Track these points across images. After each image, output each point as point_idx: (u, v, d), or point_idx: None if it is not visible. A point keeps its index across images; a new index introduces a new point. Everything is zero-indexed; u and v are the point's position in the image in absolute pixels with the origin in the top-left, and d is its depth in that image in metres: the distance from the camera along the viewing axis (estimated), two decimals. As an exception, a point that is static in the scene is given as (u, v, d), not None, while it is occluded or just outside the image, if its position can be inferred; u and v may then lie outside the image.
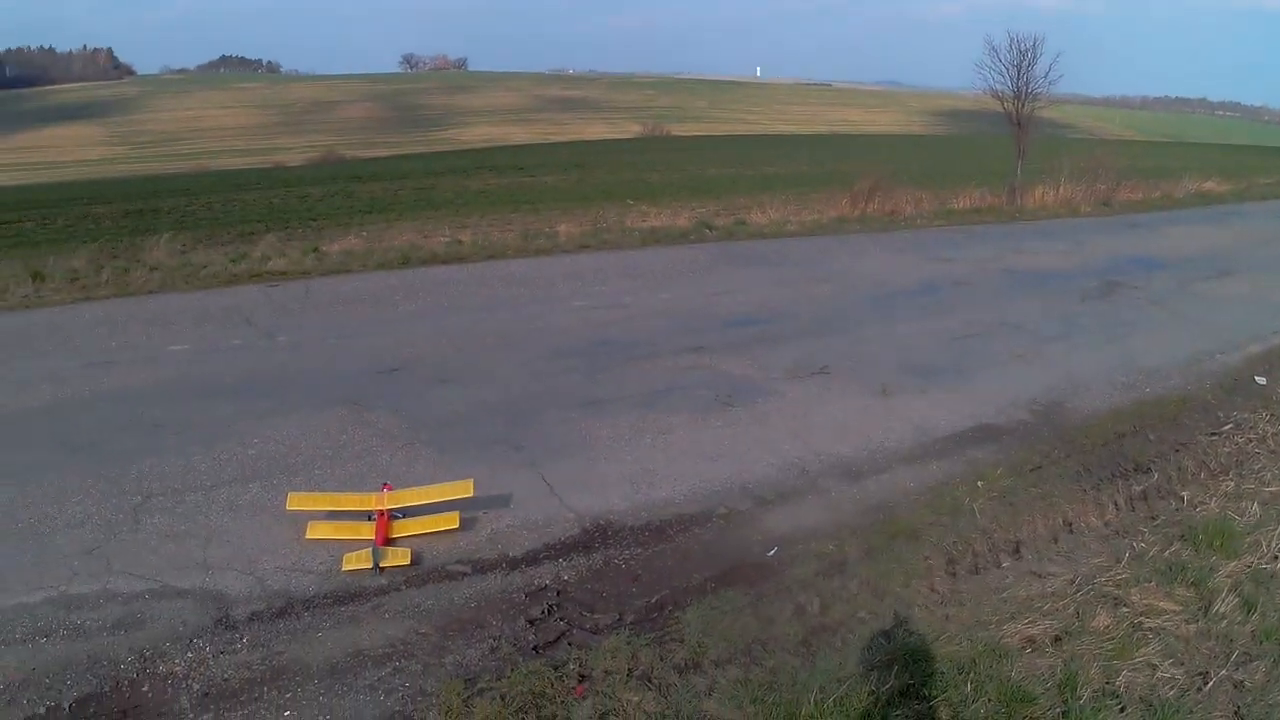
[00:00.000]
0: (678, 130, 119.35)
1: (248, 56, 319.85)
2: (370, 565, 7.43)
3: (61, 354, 13.05)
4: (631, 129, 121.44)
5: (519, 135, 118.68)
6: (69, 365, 12.49)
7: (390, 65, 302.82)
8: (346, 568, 7.48)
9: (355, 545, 7.71)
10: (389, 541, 7.82)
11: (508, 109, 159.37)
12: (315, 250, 20.88)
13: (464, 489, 8.19)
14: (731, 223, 26.03)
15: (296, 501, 8.17)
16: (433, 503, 8.21)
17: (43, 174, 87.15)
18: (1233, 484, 10.16)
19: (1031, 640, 6.80)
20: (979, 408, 12.10)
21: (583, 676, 6.21)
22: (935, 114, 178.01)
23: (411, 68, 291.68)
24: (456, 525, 8.12)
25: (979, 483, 9.85)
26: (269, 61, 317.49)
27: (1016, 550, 8.54)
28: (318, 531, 8.00)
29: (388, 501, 8.08)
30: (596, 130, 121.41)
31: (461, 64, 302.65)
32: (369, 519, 7.99)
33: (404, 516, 8.16)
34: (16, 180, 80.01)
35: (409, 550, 7.70)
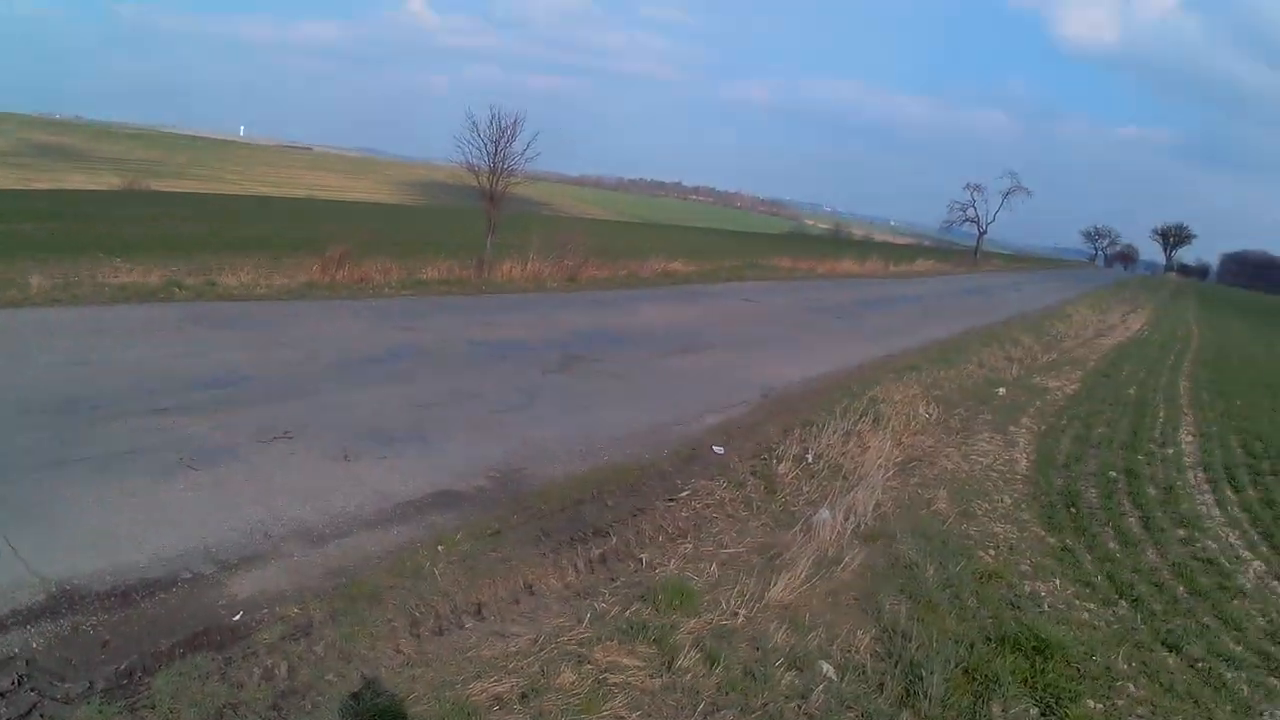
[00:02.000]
0: (158, 185, 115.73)
1: None
2: None
3: None
4: (111, 181, 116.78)
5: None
6: None
7: None
8: None
9: None
10: None
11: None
12: None
13: None
14: (202, 283, 25.45)
15: None
16: None
17: None
18: (691, 546, 10.92)
19: (499, 698, 7.13)
20: (440, 474, 12.40)
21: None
22: (411, 184, 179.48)
23: None
24: None
25: (440, 547, 10.18)
26: None
27: (479, 612, 8.91)
28: None
29: None
30: (77, 179, 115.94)
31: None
32: None
33: None
34: None
35: None
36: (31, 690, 6.76)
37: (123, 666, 7.20)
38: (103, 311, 20.38)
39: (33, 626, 7.60)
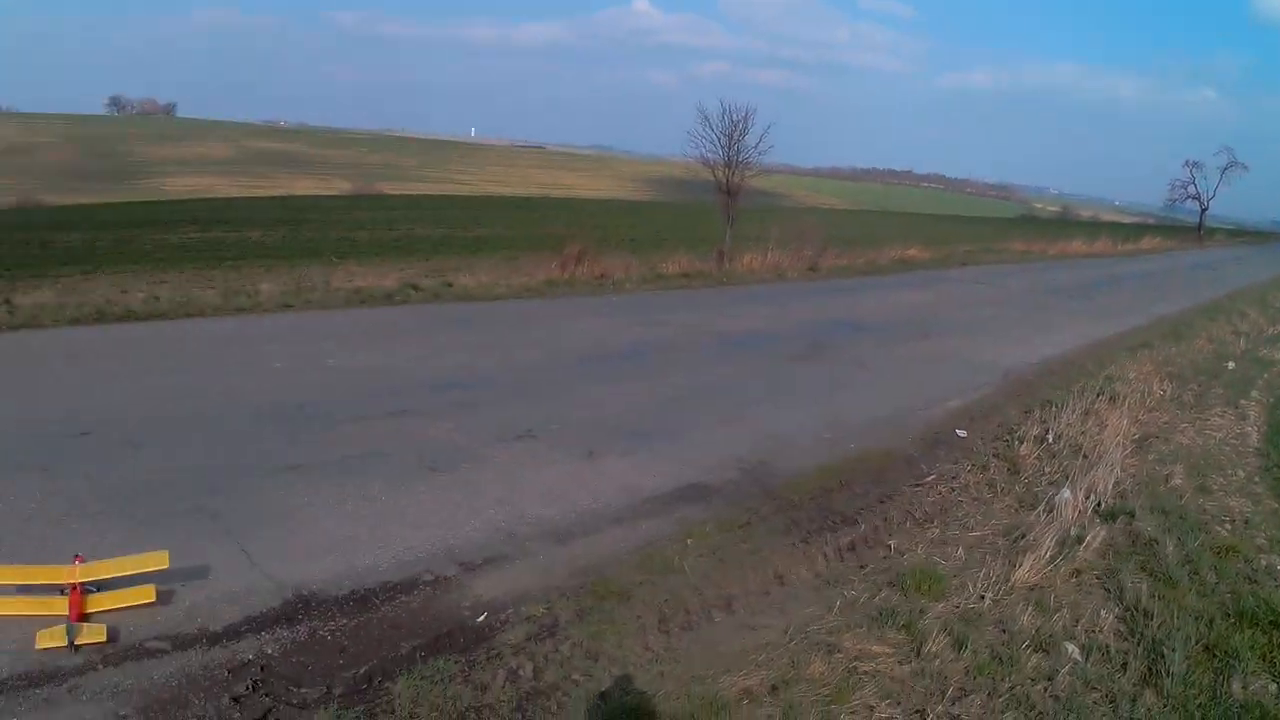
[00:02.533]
0: (388, 189, 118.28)
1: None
2: (65, 643, 7.00)
3: None
4: (341, 186, 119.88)
5: (226, 188, 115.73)
6: None
7: (96, 106, 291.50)
8: (40, 646, 7.02)
9: (48, 621, 7.26)
10: (84, 617, 7.38)
11: (216, 159, 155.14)
12: (6, 302, 19.88)
13: (159, 560, 7.81)
14: (439, 284, 25.83)
15: None
16: (127, 575, 7.79)
17: None
18: (937, 531, 10.65)
19: (749, 691, 6.91)
20: (687, 468, 12.21)
21: (289, 754, 5.96)
22: (646, 180, 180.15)
23: (118, 110, 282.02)
24: (153, 599, 7.73)
25: (689, 540, 9.94)
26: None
27: (729, 605, 8.64)
28: (6, 608, 7.51)
29: (80, 574, 7.59)
30: (306, 186, 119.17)
31: (170, 109, 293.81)
32: (61, 593, 7.52)
33: (98, 590, 7.71)
34: None
35: (104, 626, 7.30)
36: (266, 696, 6.69)
37: (361, 671, 7.08)
38: (337, 316, 20.78)
39: (268, 632, 7.55)
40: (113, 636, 7.27)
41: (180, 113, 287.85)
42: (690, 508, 11.00)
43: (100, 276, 27.82)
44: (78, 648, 7.03)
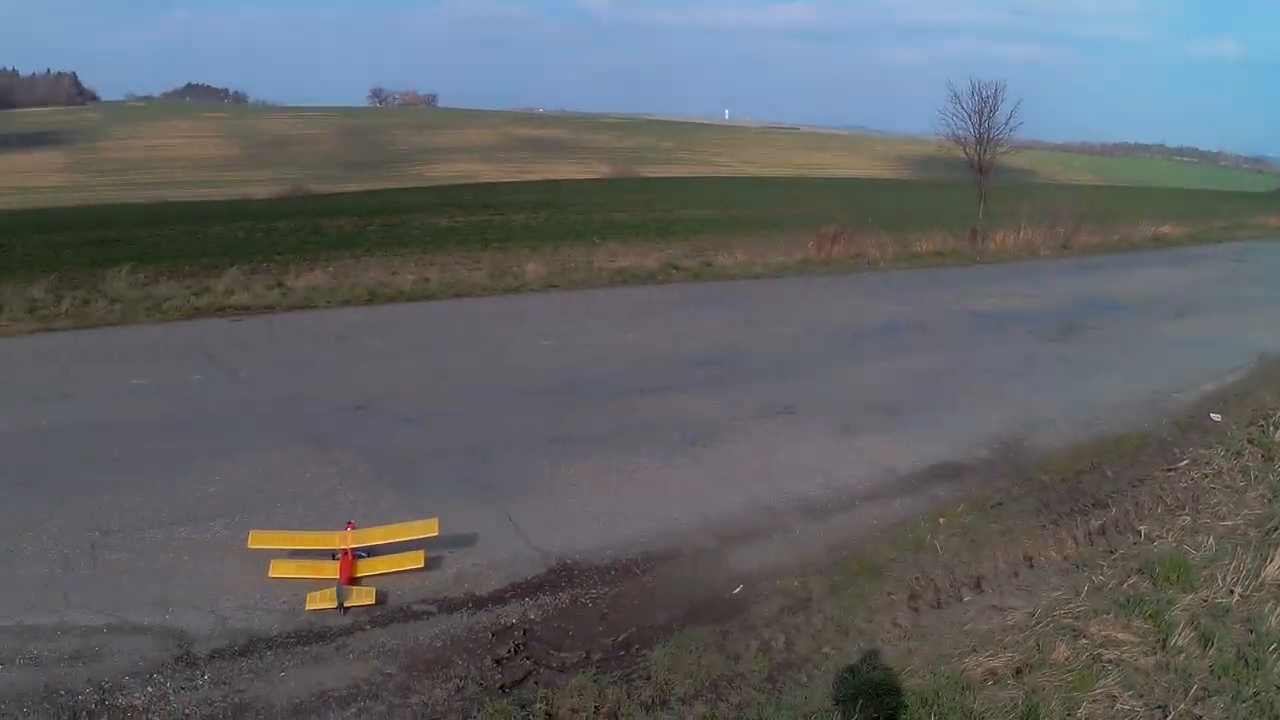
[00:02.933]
0: (646, 171, 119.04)
1: (214, 85, 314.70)
2: (335, 605, 7.39)
3: (16, 386, 12.99)
4: (600, 169, 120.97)
5: (488, 173, 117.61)
6: (22, 398, 12.45)
7: (359, 98, 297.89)
8: (310, 607, 7.44)
9: (319, 584, 7.68)
10: (354, 581, 7.77)
11: (477, 146, 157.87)
12: (280, 285, 20.73)
13: (429, 528, 8.15)
14: (699, 264, 26.03)
15: (259, 540, 8.11)
16: (398, 541, 8.18)
17: (5, 200, 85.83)
18: (1189, 519, 10.25)
19: (993, 672, 6.82)
20: (940, 446, 12.14)
21: (550, 715, 6.18)
22: (900, 159, 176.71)
23: (380, 102, 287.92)
24: (421, 564, 8.07)
25: (940, 519, 9.91)
26: (235, 91, 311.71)
27: (978, 585, 8.59)
28: (280, 570, 7.94)
29: (352, 540, 8.01)
30: (566, 170, 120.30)
31: (431, 100, 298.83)
32: (333, 558, 7.95)
33: (368, 555, 8.11)
34: (-27, 208, 79.09)
35: (374, 589, 7.67)
36: (527, 659, 6.92)
37: (620, 639, 7.25)
38: (600, 295, 21.15)
39: (531, 599, 7.80)
40: (381, 599, 7.63)
41: (440, 103, 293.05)
42: (943, 486, 10.96)
43: (370, 260, 28.58)
44: (347, 609, 7.43)
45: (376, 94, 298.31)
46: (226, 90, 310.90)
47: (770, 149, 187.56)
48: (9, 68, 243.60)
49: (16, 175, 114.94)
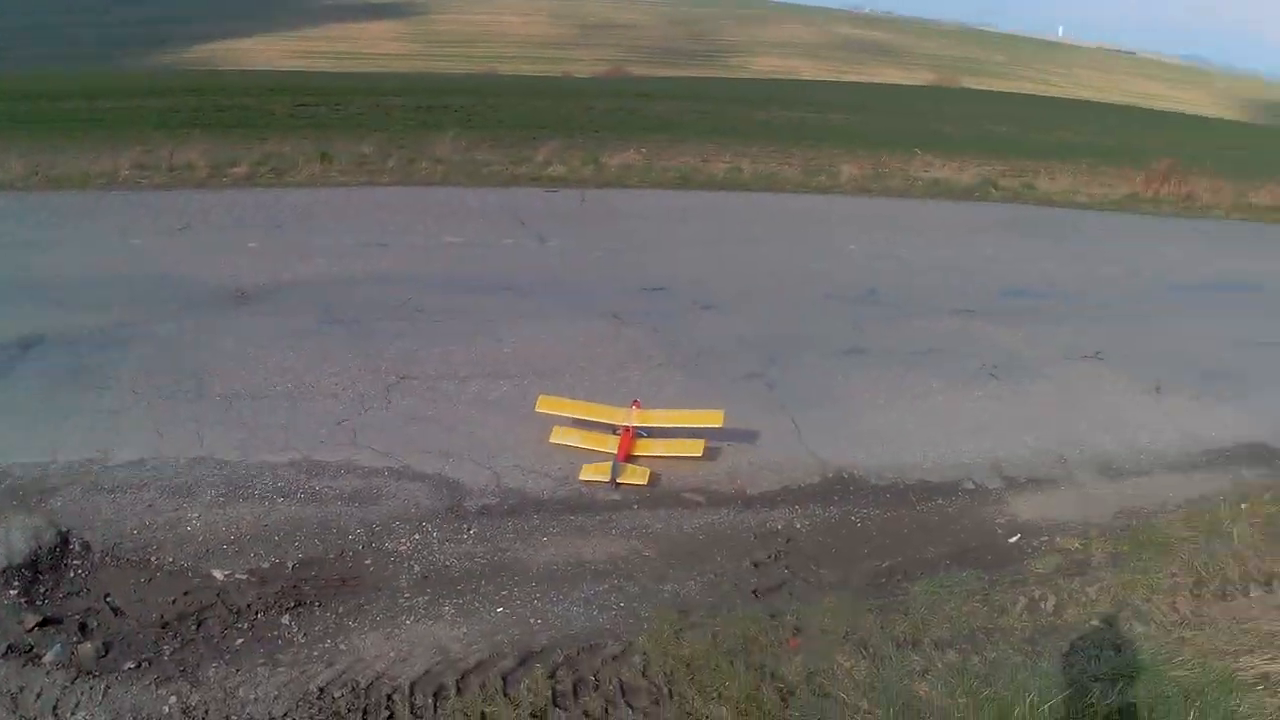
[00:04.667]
0: (972, 83, 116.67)
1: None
2: (608, 479, 7.52)
3: (341, 232, 13.46)
4: (925, 76, 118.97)
5: (808, 70, 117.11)
6: (346, 243, 12.89)
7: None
8: (583, 477, 7.60)
9: (596, 457, 7.82)
10: (630, 458, 7.86)
11: (801, 42, 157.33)
12: (595, 161, 21.00)
13: (714, 418, 8.16)
14: (1018, 185, 25.21)
15: (546, 404, 8.28)
16: (680, 426, 8.22)
17: (344, 64, 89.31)
18: None
19: (1266, 677, 6.40)
20: (1257, 424, 11.12)
21: (798, 630, 6.10)
22: (1244, 100, 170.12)
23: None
24: (700, 454, 8.06)
25: (1243, 505, 9.17)
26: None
27: (1269, 582, 8.06)
28: (561, 436, 8.16)
29: (635, 418, 8.12)
30: (889, 74, 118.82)
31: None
32: (614, 432, 8.07)
33: (649, 435, 8.19)
34: (318, 67, 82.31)
35: (648, 470, 7.75)
36: (785, 568, 6.84)
37: (884, 565, 7.13)
38: (913, 205, 20.69)
39: (801, 507, 7.70)
40: (653, 481, 7.68)
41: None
42: (1251, 468, 10.13)
43: (684, 145, 28.62)
44: (619, 485, 7.54)
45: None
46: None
47: (1104, 72, 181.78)
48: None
49: (357, 42, 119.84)
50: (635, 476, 7.65)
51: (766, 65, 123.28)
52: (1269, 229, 25.19)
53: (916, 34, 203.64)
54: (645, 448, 8.09)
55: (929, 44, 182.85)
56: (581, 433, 8.19)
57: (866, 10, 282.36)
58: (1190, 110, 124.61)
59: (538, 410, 8.19)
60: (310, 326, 10.20)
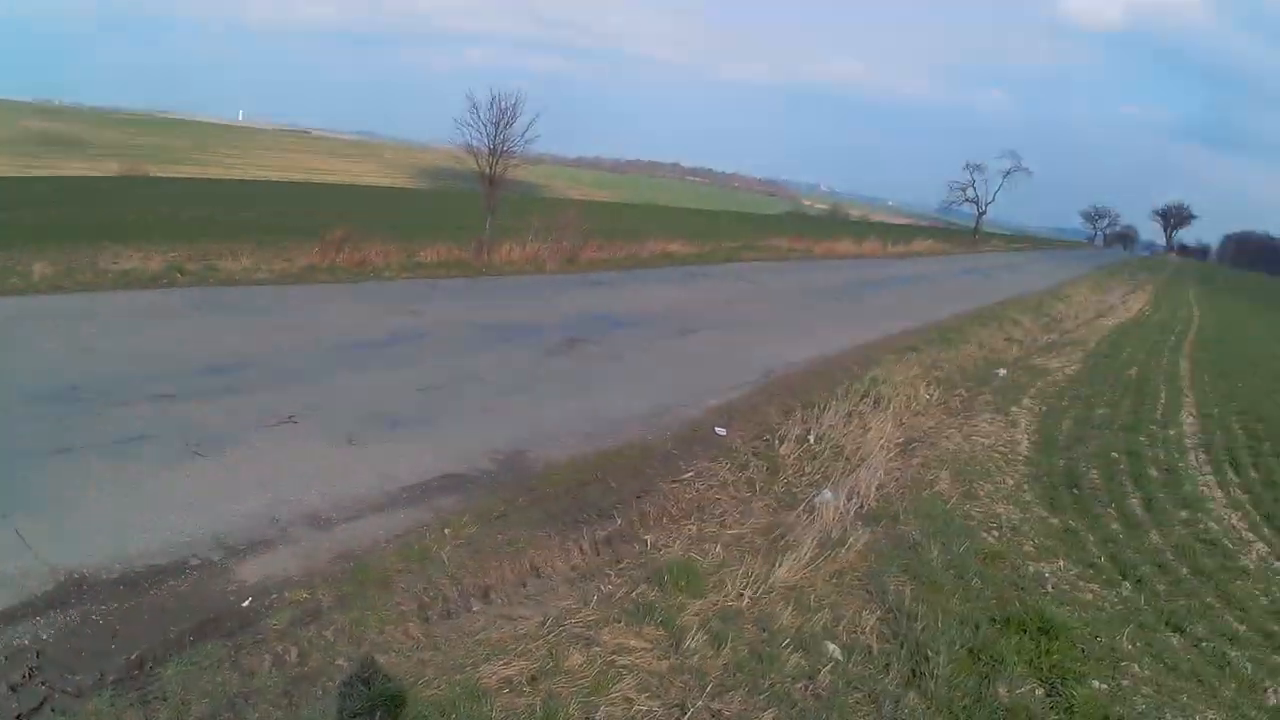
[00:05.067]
0: (158, 170, 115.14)
1: None
2: None
3: None
4: (111, 167, 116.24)
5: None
6: None
7: None
8: None
9: None
10: None
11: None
12: None
13: None
14: (204, 268, 25.32)
15: None
16: None
17: None
18: (695, 528, 10.99)
19: (509, 681, 7.18)
20: (444, 458, 12.45)
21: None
22: (411, 167, 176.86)
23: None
24: None
25: (446, 530, 10.26)
26: None
27: (486, 595, 8.98)
28: None
29: None
30: (76, 166, 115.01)
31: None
32: None
33: None
34: None
35: None
36: (43, 684, 6.76)
37: (134, 656, 7.20)
38: (105, 298, 20.35)
39: (43, 618, 7.59)
40: None
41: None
42: (447, 497, 11.29)
43: None
44: None
45: None
46: None
47: (282, 152, 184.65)
48: None
49: None
50: None
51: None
52: (436, 284, 27.10)
53: (101, 123, 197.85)
54: None
55: (115, 133, 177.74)
56: None
57: (55, 102, 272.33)
58: (364, 182, 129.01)
59: None
60: None
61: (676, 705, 7.11)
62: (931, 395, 19.48)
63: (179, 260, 26.16)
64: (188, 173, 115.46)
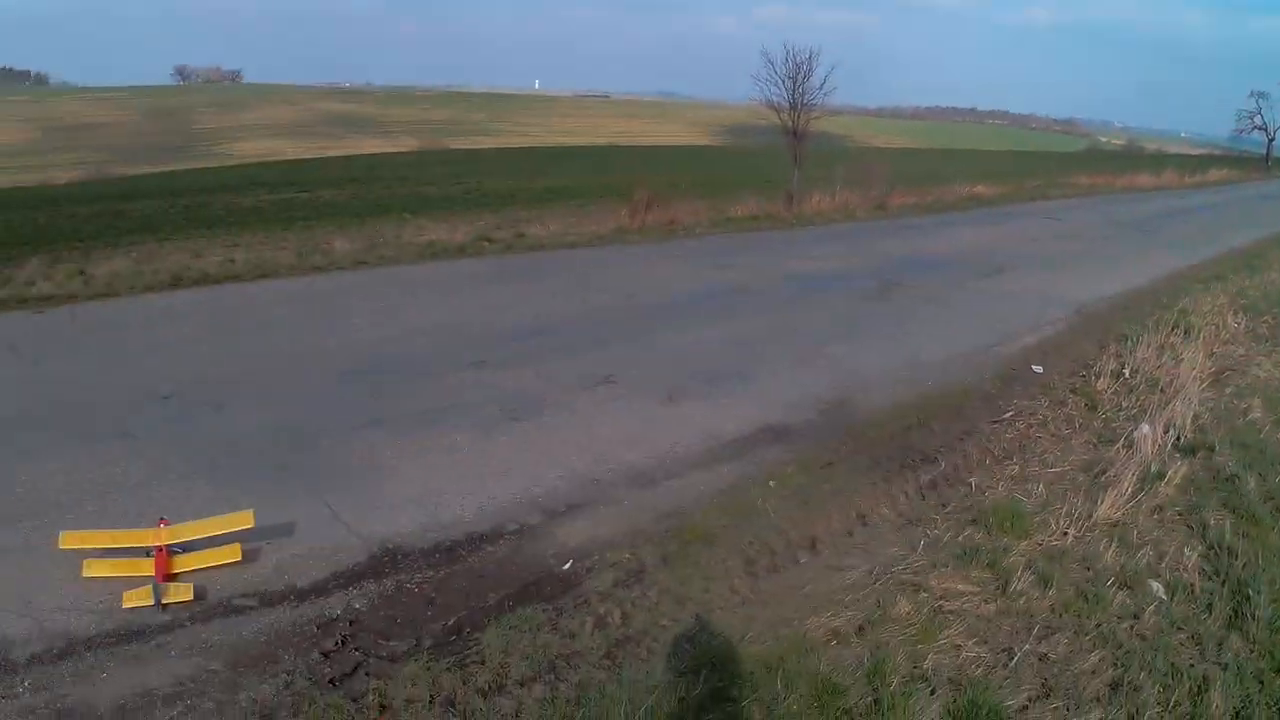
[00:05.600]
0: (456, 144, 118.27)
1: (15, 67, 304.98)
2: (152, 602, 7.14)
3: None
4: (408, 143, 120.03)
5: (292, 150, 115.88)
6: None
7: (163, 77, 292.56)
8: (128, 605, 7.17)
9: (136, 582, 7.39)
10: (170, 577, 7.51)
11: (284, 124, 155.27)
12: (81, 273, 19.92)
13: (244, 520, 7.90)
14: (511, 236, 25.80)
15: (70, 540, 7.73)
16: (213, 536, 7.90)
17: None
18: (1017, 467, 10.62)
19: (836, 632, 6.91)
20: (765, 410, 12.20)
21: (383, 707, 6.06)
22: (712, 125, 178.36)
23: (184, 79, 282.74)
24: (239, 558, 7.84)
25: (771, 482, 9.93)
26: (37, 73, 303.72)
27: (813, 546, 8.63)
28: (94, 569, 7.61)
29: (165, 536, 7.70)
30: (373, 145, 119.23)
31: (236, 76, 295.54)
32: (148, 554, 7.63)
33: (184, 551, 7.84)
34: None
35: (191, 585, 7.41)
36: (355, 650, 6.72)
37: (450, 623, 7.11)
38: (409, 270, 20.83)
39: (356, 588, 7.62)
40: (200, 595, 7.35)
41: (247, 79, 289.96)
42: (771, 449, 10.99)
43: (174, 242, 27.83)
44: (165, 606, 7.17)
45: (180, 71, 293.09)
46: (28, 72, 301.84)
47: (582, 117, 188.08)
48: None
49: None
50: (180, 594, 7.31)
51: (250, 150, 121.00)
52: (747, 237, 26.95)
53: (398, 102, 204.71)
54: (184, 564, 7.75)
55: (410, 111, 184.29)
56: (114, 561, 7.70)
57: (346, 84, 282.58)
58: (664, 142, 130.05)
59: (62, 548, 7.64)
60: None
61: (1004, 650, 6.73)
62: (1239, 323, 18.44)
63: (484, 229, 26.64)
64: (488, 144, 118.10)
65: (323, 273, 20.12)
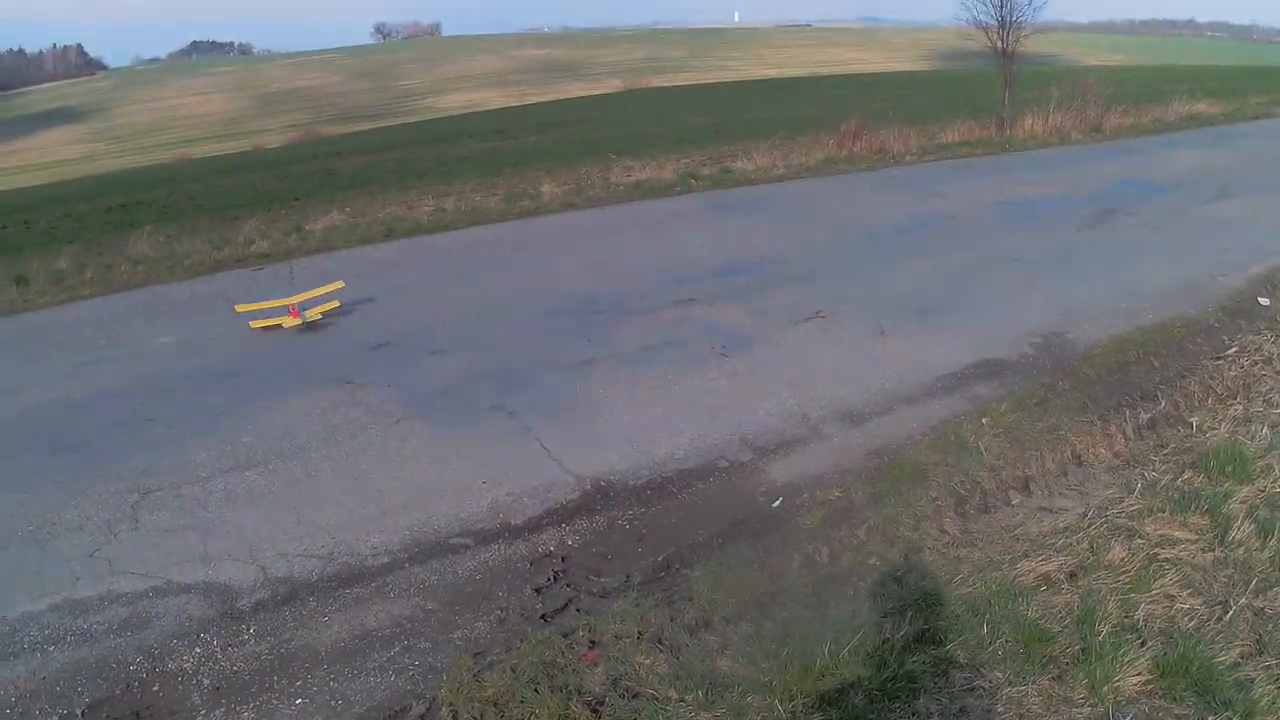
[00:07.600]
0: (658, 82, 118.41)
1: (219, 40, 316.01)
2: (275, 322, 13.34)
3: (50, 355, 12.84)
4: (611, 85, 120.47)
5: (496, 99, 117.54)
6: (58, 366, 12.30)
7: (363, 36, 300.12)
8: (255, 325, 13.31)
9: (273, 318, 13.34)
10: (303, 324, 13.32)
11: (487, 73, 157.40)
12: (298, 230, 20.54)
13: (337, 284, 14.18)
14: (718, 171, 25.74)
15: (244, 307, 13.65)
16: (322, 295, 13.89)
17: (24, 178, 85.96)
18: (1240, 408, 9.98)
19: (1046, 577, 6.69)
20: (979, 344, 11.91)
21: (593, 642, 6.14)
22: (919, 50, 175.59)
23: (385, 37, 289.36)
24: (343, 285, 14.27)
25: (983, 419, 9.69)
26: (241, 43, 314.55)
27: (1026, 486, 8.41)
28: (257, 323, 13.35)
29: (295, 301, 13.47)
30: (576, 88, 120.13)
31: (435, 30, 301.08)
32: (287, 312, 13.31)
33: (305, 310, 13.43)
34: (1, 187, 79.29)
35: (318, 316, 13.49)
36: (567, 586, 6.84)
37: (660, 559, 7.19)
38: (617, 210, 20.98)
39: (568, 525, 7.74)
40: (411, 530, 7.80)
41: (445, 32, 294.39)
42: (983, 385, 10.74)
43: (386, 195, 28.49)
44: (304, 326, 13.33)
45: (380, 30, 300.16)
46: (232, 44, 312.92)
47: (784, 49, 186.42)
48: (15, 47, 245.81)
49: (38, 153, 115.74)
50: (311, 316, 13.36)
51: (456, 101, 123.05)
52: (960, 163, 26.40)
53: (597, 44, 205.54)
54: (309, 315, 13.40)
55: (609, 51, 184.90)
56: (266, 320, 13.43)
57: (545, 29, 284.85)
58: (872, 69, 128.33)
59: (237, 310, 13.52)
60: (33, 462, 9.54)
61: (1219, 603, 6.36)
62: None
63: (692, 166, 26.63)
64: (690, 79, 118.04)
65: (532, 217, 20.34)
